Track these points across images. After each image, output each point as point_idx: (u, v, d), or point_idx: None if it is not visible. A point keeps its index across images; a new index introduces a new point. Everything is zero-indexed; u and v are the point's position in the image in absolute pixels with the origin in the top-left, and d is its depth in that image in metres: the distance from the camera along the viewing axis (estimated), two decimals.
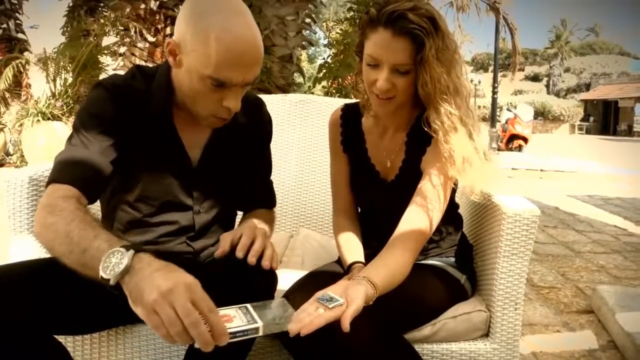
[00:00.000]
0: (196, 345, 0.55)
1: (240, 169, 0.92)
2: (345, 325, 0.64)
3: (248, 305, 0.65)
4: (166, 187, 0.84)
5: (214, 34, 0.70)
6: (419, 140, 0.91)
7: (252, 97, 0.96)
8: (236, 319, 0.61)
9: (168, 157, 0.84)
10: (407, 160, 0.93)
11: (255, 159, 0.96)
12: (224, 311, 0.62)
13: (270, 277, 0.79)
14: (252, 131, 0.93)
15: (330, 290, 0.71)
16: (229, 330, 0.57)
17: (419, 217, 0.85)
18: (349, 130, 1.01)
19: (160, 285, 0.55)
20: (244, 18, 0.73)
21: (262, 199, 0.99)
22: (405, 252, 0.82)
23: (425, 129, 0.85)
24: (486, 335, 0.93)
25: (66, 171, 0.74)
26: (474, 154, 0.84)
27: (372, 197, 0.99)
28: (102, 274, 0.58)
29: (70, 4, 6.85)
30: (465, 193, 1.08)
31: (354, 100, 1.05)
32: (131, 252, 0.59)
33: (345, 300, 0.68)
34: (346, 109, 1.03)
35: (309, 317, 0.65)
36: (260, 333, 0.60)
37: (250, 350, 0.78)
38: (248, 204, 0.97)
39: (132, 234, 0.86)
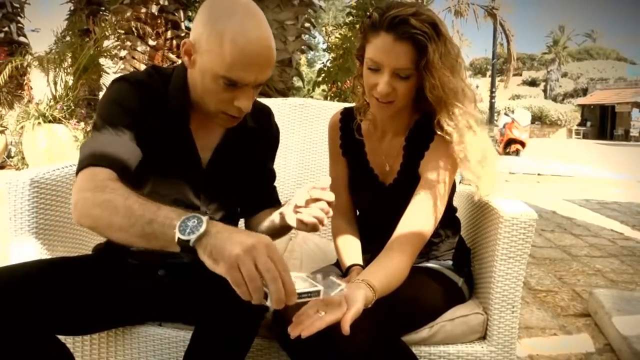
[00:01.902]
0: (268, 303, 0.58)
1: (247, 173, 0.93)
2: (346, 329, 0.65)
3: (301, 274, 0.67)
4: (175, 186, 0.85)
5: (229, 36, 0.72)
6: (418, 145, 0.92)
7: (261, 105, 0.98)
8: (297, 283, 0.63)
9: (180, 157, 0.85)
10: (406, 164, 0.94)
11: (263, 164, 0.97)
12: None
13: None
14: (261, 136, 0.94)
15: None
16: (297, 291, 0.60)
17: (417, 220, 0.86)
18: (348, 134, 1.02)
19: (243, 241, 0.57)
20: (259, 21, 0.75)
21: (269, 204, 0.99)
22: (403, 255, 0.82)
23: (438, 132, 0.86)
24: (483, 337, 0.93)
25: (103, 156, 0.74)
26: (487, 153, 0.86)
27: (370, 200, 1.00)
28: (179, 236, 0.60)
29: (72, 8, 6.87)
30: (470, 194, 1.09)
31: (353, 104, 1.06)
32: (207, 217, 0.61)
33: (345, 301, 0.69)
34: (345, 112, 1.04)
35: (310, 320, 0.66)
36: (321, 296, 0.63)
37: (248, 351, 0.79)
38: (253, 208, 0.98)
39: None
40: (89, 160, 0.73)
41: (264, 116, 0.96)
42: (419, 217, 0.86)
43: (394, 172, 0.96)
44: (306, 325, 0.65)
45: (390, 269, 0.80)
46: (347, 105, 1.09)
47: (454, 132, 0.84)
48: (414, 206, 0.87)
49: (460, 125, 0.84)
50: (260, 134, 0.94)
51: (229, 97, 0.77)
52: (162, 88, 0.83)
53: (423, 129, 0.90)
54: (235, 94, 0.76)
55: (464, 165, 0.85)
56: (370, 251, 0.93)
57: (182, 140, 0.85)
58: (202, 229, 0.59)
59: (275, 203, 1.00)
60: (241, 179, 0.92)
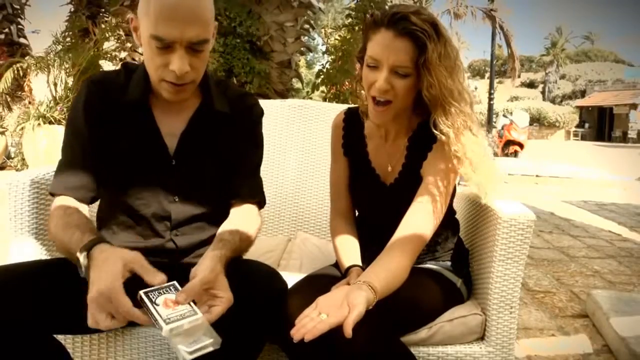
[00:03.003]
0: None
1: (219, 160, 0.90)
2: (348, 332, 0.65)
3: (199, 314, 0.68)
4: (145, 177, 0.86)
5: None
6: (421, 146, 0.92)
7: (243, 91, 0.98)
8: (171, 310, 0.66)
9: (146, 146, 0.86)
10: (408, 164, 0.94)
11: (239, 150, 0.92)
12: (183, 298, 0.68)
13: (273, 279, 0.81)
14: (234, 121, 0.92)
15: (331, 296, 0.72)
16: (149, 311, 0.66)
17: (418, 221, 0.86)
18: (351, 134, 1.02)
19: (92, 287, 0.67)
20: None
21: (245, 191, 0.92)
22: (403, 256, 0.82)
23: (435, 131, 0.86)
24: (482, 338, 0.94)
25: (58, 182, 0.85)
26: (484, 153, 0.86)
27: (371, 200, 1.00)
28: (82, 275, 0.70)
29: (72, 10, 6.86)
30: (470, 196, 1.09)
31: (355, 105, 1.06)
32: (84, 253, 0.70)
33: (347, 304, 0.69)
34: (349, 112, 1.04)
35: (312, 323, 0.66)
36: (163, 334, 0.65)
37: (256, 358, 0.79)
38: (231, 197, 0.92)
39: (121, 226, 0.88)
40: (51, 189, 0.86)
41: (240, 100, 0.94)
42: (421, 218, 0.86)
43: (395, 172, 0.96)
44: (308, 328, 0.65)
45: (391, 270, 0.80)
46: (350, 106, 1.09)
47: (450, 130, 0.84)
48: (416, 207, 0.87)
49: (457, 125, 0.84)
50: (235, 118, 0.91)
51: (164, 61, 0.77)
52: (125, 81, 0.86)
53: (426, 130, 0.91)
54: (168, 57, 0.77)
55: (462, 165, 0.85)
56: (370, 252, 0.93)
57: (146, 128, 0.86)
58: (84, 269, 0.69)
59: (253, 197, 0.92)
60: (213, 165, 0.90)
